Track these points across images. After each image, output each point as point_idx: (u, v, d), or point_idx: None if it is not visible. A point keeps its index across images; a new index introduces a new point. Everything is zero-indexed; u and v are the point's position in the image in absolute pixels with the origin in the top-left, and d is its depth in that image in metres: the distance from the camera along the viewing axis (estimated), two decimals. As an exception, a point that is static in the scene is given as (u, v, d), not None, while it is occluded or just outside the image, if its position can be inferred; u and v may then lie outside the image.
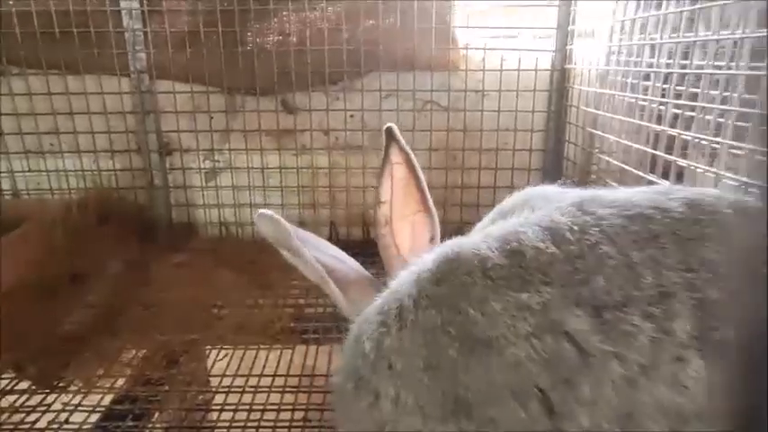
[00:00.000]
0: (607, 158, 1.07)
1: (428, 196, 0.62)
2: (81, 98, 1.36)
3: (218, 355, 1.00)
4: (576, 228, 0.40)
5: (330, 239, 1.41)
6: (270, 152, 1.40)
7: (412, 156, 0.60)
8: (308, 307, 1.15)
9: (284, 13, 1.32)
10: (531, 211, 0.46)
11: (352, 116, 1.38)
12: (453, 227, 1.44)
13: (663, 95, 0.81)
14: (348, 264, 0.58)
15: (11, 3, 1.28)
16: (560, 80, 1.32)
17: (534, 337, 0.37)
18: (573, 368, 0.36)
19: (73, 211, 1.21)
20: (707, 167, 0.67)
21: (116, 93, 1.36)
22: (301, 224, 1.45)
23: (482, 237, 0.44)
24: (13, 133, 1.38)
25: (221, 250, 1.38)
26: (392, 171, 0.61)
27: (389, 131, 0.61)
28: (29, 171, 1.41)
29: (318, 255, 0.56)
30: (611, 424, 0.35)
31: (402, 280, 0.46)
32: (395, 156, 0.61)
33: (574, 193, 0.45)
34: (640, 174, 0.86)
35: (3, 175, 1.42)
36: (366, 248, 1.39)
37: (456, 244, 0.45)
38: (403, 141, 0.61)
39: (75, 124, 1.38)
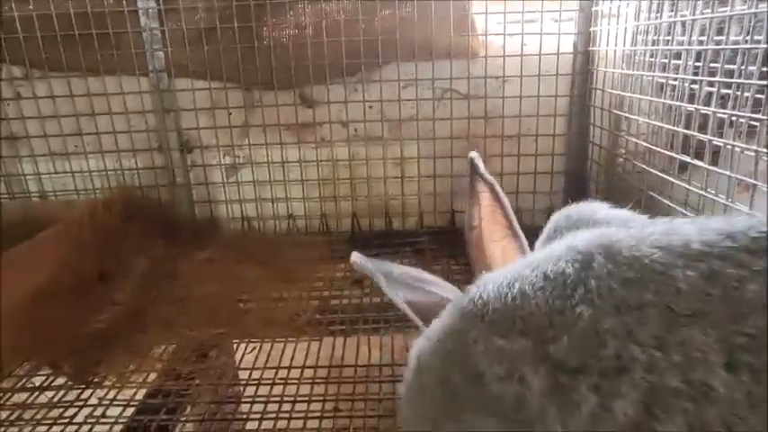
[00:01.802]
0: (635, 140, 1.05)
1: (514, 222, 0.63)
2: (102, 99, 1.37)
3: (246, 348, 1.01)
4: (569, 282, 0.39)
5: (352, 232, 1.44)
6: (290, 146, 1.40)
7: (495, 184, 0.62)
8: (333, 299, 1.16)
9: (300, 6, 1.32)
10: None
11: (371, 107, 1.37)
12: (477, 215, 1.43)
13: (695, 74, 0.79)
14: (439, 292, 0.59)
15: (30, 8, 1.30)
16: (584, 63, 1.29)
17: (505, 381, 0.39)
18: (530, 417, 0.37)
19: (99, 210, 1.22)
20: (745, 145, 0.65)
21: (136, 92, 1.37)
22: (323, 216, 1.46)
23: (500, 273, 0.46)
24: (39, 136, 1.40)
25: (245, 245, 1.39)
26: (479, 199, 0.63)
27: (472, 162, 0.64)
28: (54, 173, 1.44)
29: (409, 294, 0.58)
30: None
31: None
32: (479, 185, 0.63)
33: (592, 236, 0.42)
34: (671, 154, 0.84)
35: (29, 177, 1.45)
36: (388, 240, 1.41)
37: (480, 281, 0.47)
38: (484, 172, 0.62)
39: (97, 125, 1.39)
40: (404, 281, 0.59)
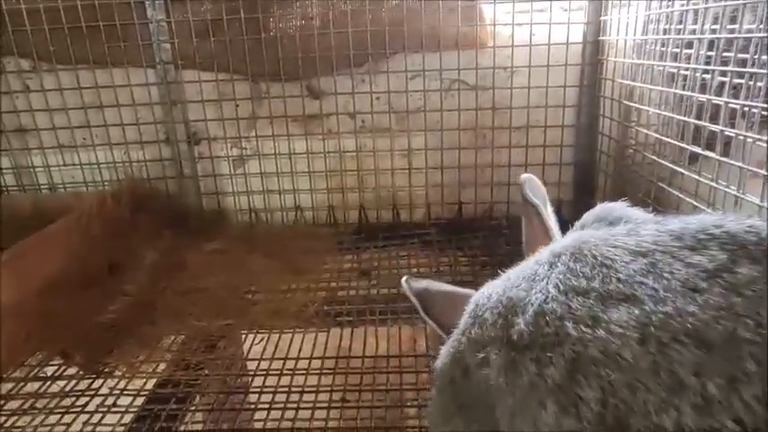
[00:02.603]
0: (645, 131, 1.04)
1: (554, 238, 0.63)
2: (110, 91, 1.38)
3: (254, 339, 1.01)
4: (537, 278, 0.44)
5: (360, 223, 1.44)
6: (297, 138, 1.40)
7: (540, 207, 0.62)
8: (341, 290, 1.16)
9: (306, -4, 1.31)
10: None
11: (378, 98, 1.36)
12: (484, 206, 1.43)
13: (707, 63, 0.77)
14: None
15: (39, 0, 1.30)
16: (593, 53, 1.28)
17: (479, 368, 0.44)
18: (493, 396, 0.42)
19: (108, 202, 1.23)
20: (757, 136, 0.64)
21: (143, 84, 1.37)
22: (331, 208, 1.46)
23: (499, 278, 0.50)
24: (47, 128, 1.41)
25: (252, 237, 1.40)
26: (529, 221, 0.64)
27: (521, 186, 0.64)
28: (63, 165, 1.45)
29: (443, 316, 0.60)
30: None
31: None
32: (527, 208, 0.64)
33: (570, 239, 0.46)
34: (682, 145, 0.83)
35: (39, 169, 1.46)
36: (396, 231, 1.41)
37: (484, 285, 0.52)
38: (529, 195, 0.63)
39: (105, 117, 1.40)
40: (440, 299, 0.62)
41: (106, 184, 1.44)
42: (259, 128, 1.41)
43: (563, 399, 0.37)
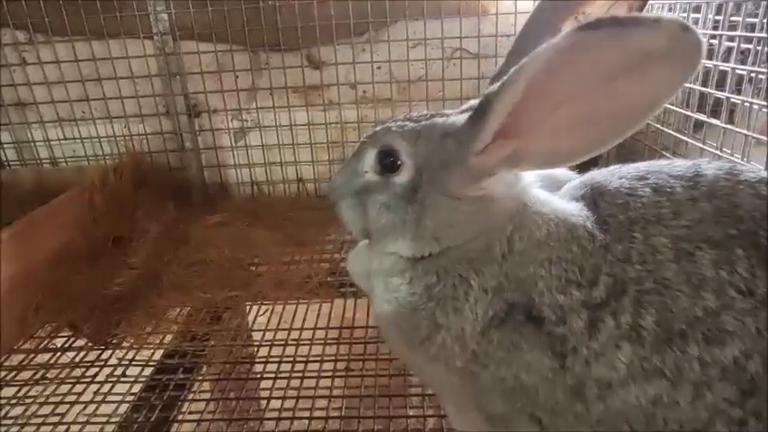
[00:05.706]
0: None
1: None
2: (107, 63, 1.36)
3: (258, 310, 1.02)
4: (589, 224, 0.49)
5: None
6: (297, 109, 1.39)
7: None
8: (343, 261, 1.17)
9: (305, -37, 1.28)
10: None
11: (379, 68, 1.34)
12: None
13: (715, 28, 0.76)
14: None
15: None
16: (597, 18, 1.25)
17: (555, 324, 0.48)
18: (578, 340, 0.47)
19: (110, 176, 1.23)
20: (763, 102, 0.63)
21: (141, 56, 1.35)
22: (332, 181, 1.45)
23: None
24: (46, 102, 1.40)
25: (255, 209, 1.40)
26: None
27: None
28: (64, 139, 1.44)
29: None
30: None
31: None
32: None
33: (580, 188, 0.54)
34: (687, 113, 0.82)
35: (39, 144, 1.45)
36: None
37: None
38: None
39: (104, 90, 1.38)
40: None
41: (107, 157, 1.44)
42: (259, 99, 1.40)
43: (637, 336, 0.44)
